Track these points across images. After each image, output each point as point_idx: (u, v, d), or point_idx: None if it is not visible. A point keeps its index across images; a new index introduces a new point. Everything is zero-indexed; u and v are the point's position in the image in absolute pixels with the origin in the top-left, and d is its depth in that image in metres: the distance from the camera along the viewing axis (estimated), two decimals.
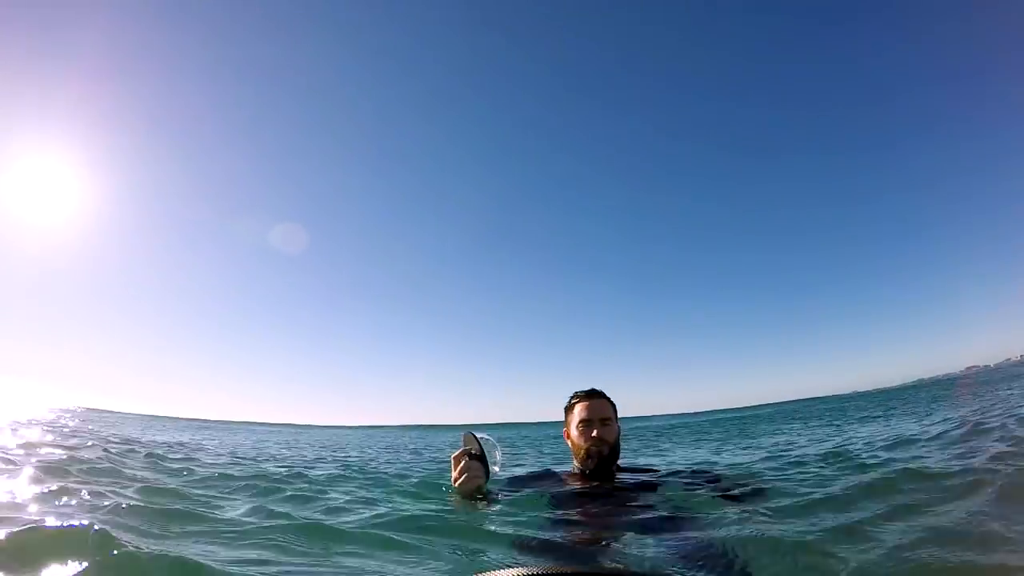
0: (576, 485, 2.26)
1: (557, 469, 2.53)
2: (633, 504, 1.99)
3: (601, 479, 2.28)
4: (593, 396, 2.42)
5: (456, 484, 2.18)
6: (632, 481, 2.30)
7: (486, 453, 2.28)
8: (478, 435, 2.32)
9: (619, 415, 2.38)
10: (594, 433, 2.31)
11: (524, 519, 1.85)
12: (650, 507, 1.93)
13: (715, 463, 3.87)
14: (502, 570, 0.53)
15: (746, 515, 1.77)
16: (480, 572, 0.55)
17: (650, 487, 2.20)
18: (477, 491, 2.16)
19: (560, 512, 1.97)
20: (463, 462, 2.21)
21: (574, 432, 2.40)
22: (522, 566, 0.51)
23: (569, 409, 2.47)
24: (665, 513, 1.83)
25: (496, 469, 2.34)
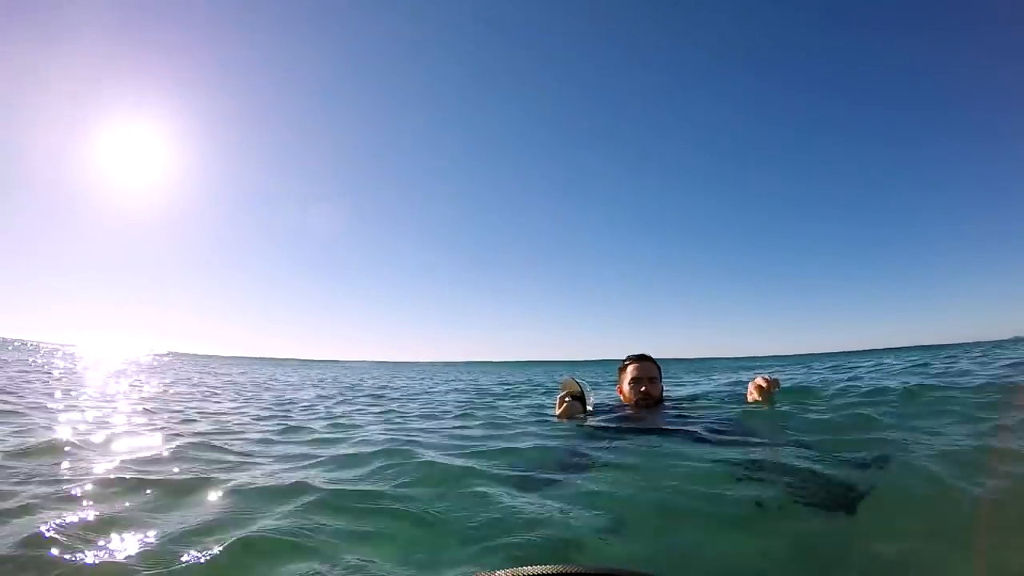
0: (635, 409, 2.96)
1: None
2: (672, 417, 2.75)
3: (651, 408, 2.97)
4: (643, 359, 3.07)
5: (560, 415, 2.91)
6: (673, 408, 3.05)
7: (584, 393, 2.95)
8: (577, 379, 3.05)
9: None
10: (643, 389, 2.97)
11: (601, 430, 2.63)
12: (685, 420, 2.67)
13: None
14: (502, 570, 0.53)
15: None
16: (480, 572, 0.52)
17: (687, 409, 2.95)
18: (576, 417, 2.87)
19: (624, 424, 2.72)
20: (567, 402, 2.92)
21: (626, 388, 3.05)
22: (522, 566, 0.52)
23: (622, 369, 3.11)
24: (696, 425, 2.54)
25: (590, 408, 2.96)
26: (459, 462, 2.04)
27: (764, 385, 2.79)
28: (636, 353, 3.11)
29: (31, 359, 13.67)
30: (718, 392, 3.96)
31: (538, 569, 0.51)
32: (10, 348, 25.17)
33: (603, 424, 2.70)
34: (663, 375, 3.13)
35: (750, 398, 2.91)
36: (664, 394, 3.15)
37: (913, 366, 6.10)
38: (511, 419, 3.34)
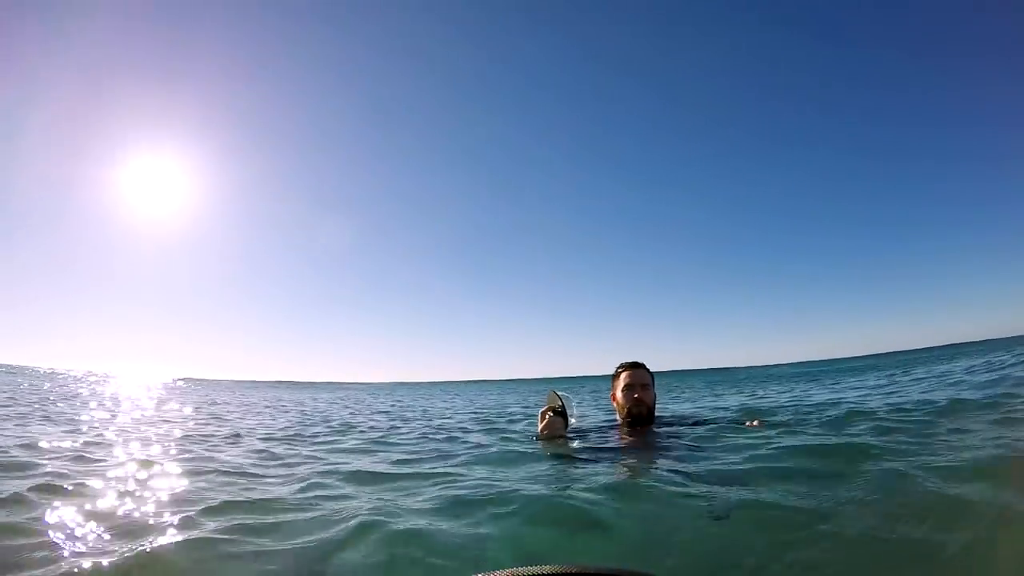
0: (623, 431, 2.97)
1: (610, 420, 3.23)
2: (661, 442, 2.72)
3: (640, 426, 2.95)
4: (636, 367, 3.04)
5: (541, 433, 2.84)
6: (664, 430, 2.99)
7: (566, 408, 2.87)
8: (560, 393, 2.95)
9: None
10: (635, 395, 2.95)
11: (585, 454, 2.59)
12: (673, 443, 2.64)
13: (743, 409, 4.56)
14: (502, 570, 0.52)
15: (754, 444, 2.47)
16: (480, 572, 0.55)
17: (677, 433, 2.89)
18: (558, 438, 2.80)
19: (608, 447, 2.71)
20: (548, 417, 2.83)
21: (619, 395, 3.03)
22: (522, 566, 0.52)
23: (616, 377, 3.09)
24: (682, 446, 2.55)
25: (573, 421, 2.93)
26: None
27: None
28: (629, 360, 3.08)
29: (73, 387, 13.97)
30: (724, 413, 3.89)
31: (538, 569, 0.51)
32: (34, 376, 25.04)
33: (585, 447, 2.65)
34: (655, 382, 3.09)
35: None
36: (659, 409, 3.13)
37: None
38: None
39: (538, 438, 2.91)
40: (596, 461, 2.37)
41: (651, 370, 3.08)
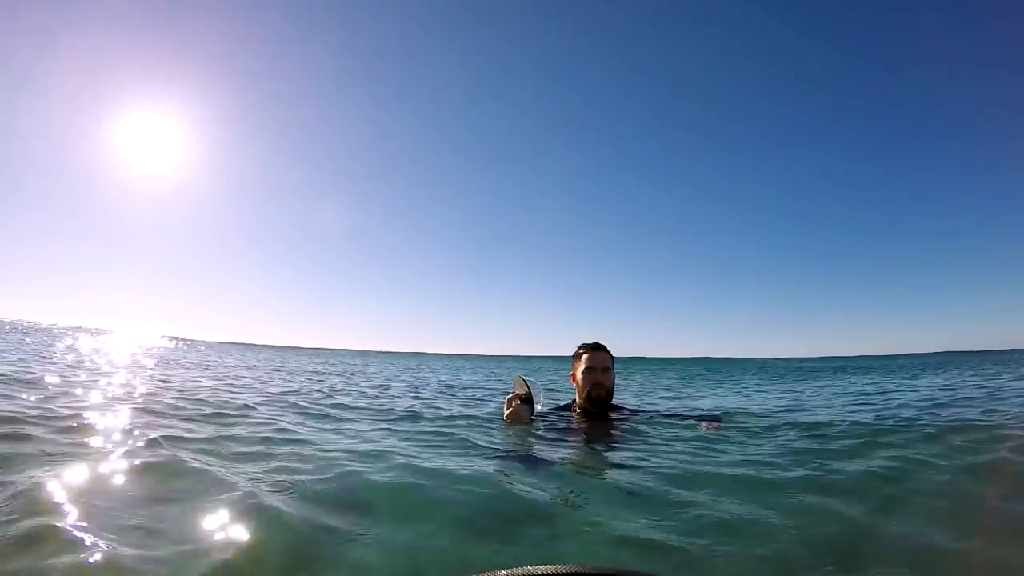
0: (580, 419, 3.02)
1: (569, 403, 3.21)
2: (614, 430, 2.83)
3: (599, 413, 3.01)
4: (598, 348, 3.03)
5: (507, 420, 2.90)
6: (617, 416, 3.08)
7: (532, 394, 2.94)
8: (526, 378, 3.01)
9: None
10: (596, 378, 2.98)
11: (547, 438, 2.70)
12: (624, 432, 2.77)
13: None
14: (502, 570, 0.52)
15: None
16: (479, 572, 0.55)
17: (631, 425, 2.95)
18: (523, 423, 2.87)
19: (569, 433, 2.81)
20: (514, 405, 2.89)
21: (580, 376, 3.02)
22: (522, 566, 0.51)
23: (577, 358, 3.07)
24: (631, 436, 2.68)
25: (539, 407, 2.97)
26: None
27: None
28: (590, 342, 3.08)
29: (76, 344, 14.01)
30: (690, 409, 3.97)
31: (538, 569, 0.51)
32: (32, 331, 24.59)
33: (544, 435, 2.75)
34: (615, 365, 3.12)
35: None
36: (623, 400, 3.19)
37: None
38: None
39: (503, 423, 2.99)
40: (546, 447, 2.50)
41: (611, 353, 3.08)
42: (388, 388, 6.47)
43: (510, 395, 3.01)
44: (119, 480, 1.67)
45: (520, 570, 0.51)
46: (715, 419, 3.18)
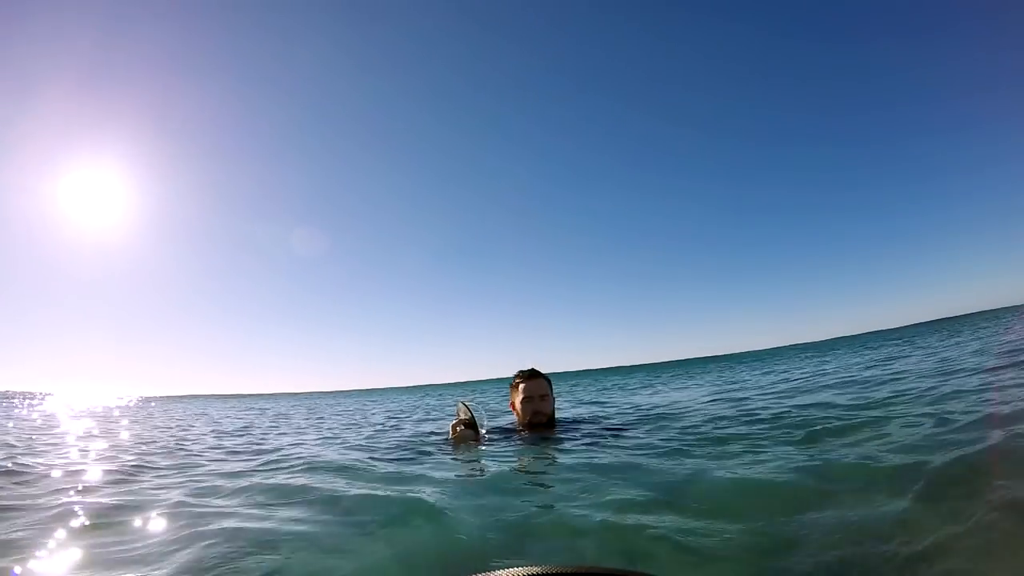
0: (523, 435, 3.02)
1: (512, 426, 3.23)
2: (552, 444, 2.82)
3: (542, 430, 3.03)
4: (533, 377, 3.09)
5: (454, 442, 2.95)
6: (560, 433, 3.05)
7: (476, 419, 3.03)
8: (468, 403, 3.10)
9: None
10: (534, 408, 3.04)
11: (490, 456, 2.70)
12: (562, 444, 2.75)
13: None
14: (502, 570, 0.51)
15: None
16: (480, 572, 0.54)
17: (563, 437, 2.94)
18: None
19: (511, 452, 2.76)
20: (459, 429, 2.96)
21: (519, 404, 3.10)
22: (522, 566, 0.51)
23: (514, 387, 3.13)
24: (569, 447, 2.71)
25: (483, 432, 3.03)
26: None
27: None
28: (526, 369, 3.13)
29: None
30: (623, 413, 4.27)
31: (538, 569, 0.51)
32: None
33: (488, 451, 2.77)
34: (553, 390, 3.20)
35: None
36: (558, 414, 3.26)
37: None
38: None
39: (450, 444, 3.00)
40: (486, 460, 2.57)
41: (549, 379, 3.17)
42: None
43: (454, 421, 3.07)
44: None
45: (520, 570, 0.52)
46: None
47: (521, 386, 3.09)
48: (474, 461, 2.65)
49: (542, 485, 2.06)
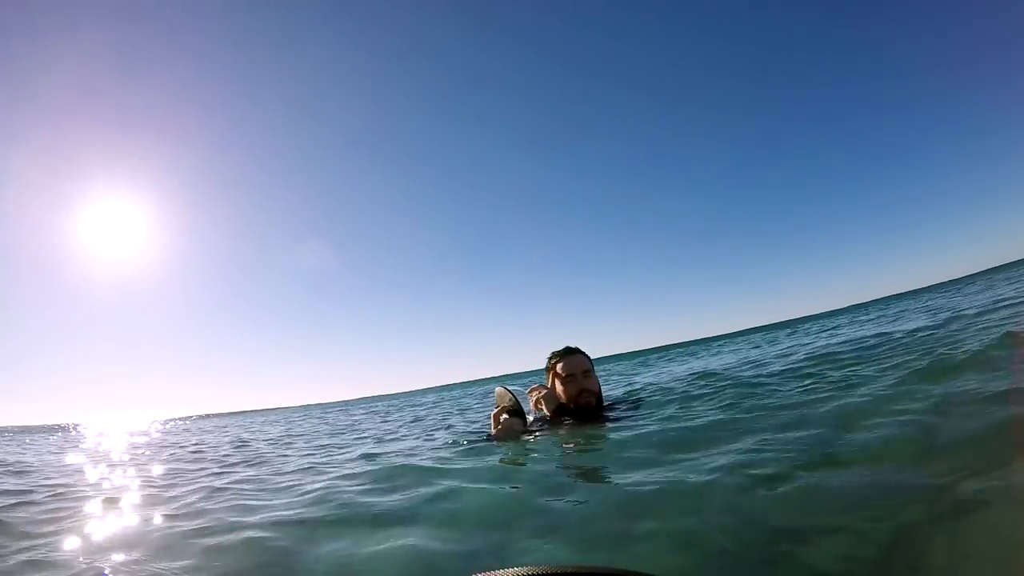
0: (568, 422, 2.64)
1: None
2: (609, 422, 2.56)
3: (588, 417, 2.64)
4: (571, 352, 2.73)
5: (497, 436, 2.51)
6: (607, 414, 2.76)
7: (520, 403, 2.61)
8: (510, 388, 2.68)
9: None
10: (580, 385, 2.64)
11: (540, 449, 2.33)
12: (619, 425, 2.46)
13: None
14: (502, 570, 0.50)
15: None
16: (479, 572, 0.52)
17: (619, 415, 2.69)
18: (514, 438, 2.50)
19: (565, 440, 2.40)
20: (503, 420, 2.54)
21: (560, 386, 2.68)
22: (521, 566, 0.50)
23: (550, 370, 2.75)
24: (626, 427, 2.39)
25: (530, 418, 2.67)
26: None
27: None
28: (560, 348, 2.81)
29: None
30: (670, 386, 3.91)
31: (538, 569, 0.50)
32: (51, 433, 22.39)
33: (539, 443, 2.42)
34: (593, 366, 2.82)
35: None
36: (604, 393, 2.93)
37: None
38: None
39: (493, 441, 2.60)
40: (547, 454, 2.22)
41: (588, 354, 2.78)
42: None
43: (495, 410, 2.71)
44: None
45: (520, 570, 0.51)
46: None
47: (559, 365, 2.72)
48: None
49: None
